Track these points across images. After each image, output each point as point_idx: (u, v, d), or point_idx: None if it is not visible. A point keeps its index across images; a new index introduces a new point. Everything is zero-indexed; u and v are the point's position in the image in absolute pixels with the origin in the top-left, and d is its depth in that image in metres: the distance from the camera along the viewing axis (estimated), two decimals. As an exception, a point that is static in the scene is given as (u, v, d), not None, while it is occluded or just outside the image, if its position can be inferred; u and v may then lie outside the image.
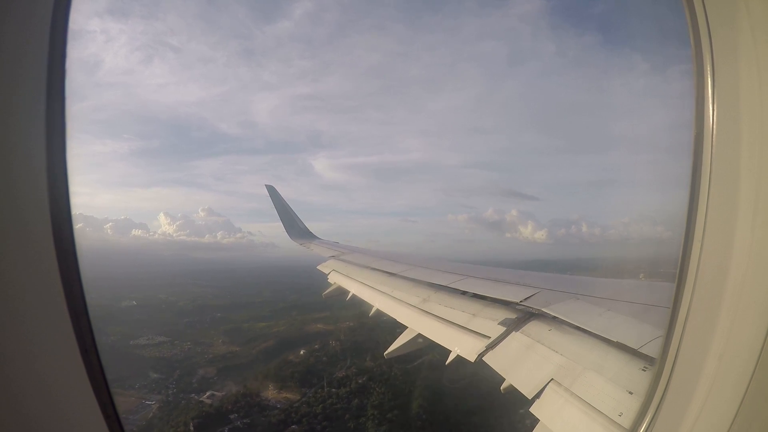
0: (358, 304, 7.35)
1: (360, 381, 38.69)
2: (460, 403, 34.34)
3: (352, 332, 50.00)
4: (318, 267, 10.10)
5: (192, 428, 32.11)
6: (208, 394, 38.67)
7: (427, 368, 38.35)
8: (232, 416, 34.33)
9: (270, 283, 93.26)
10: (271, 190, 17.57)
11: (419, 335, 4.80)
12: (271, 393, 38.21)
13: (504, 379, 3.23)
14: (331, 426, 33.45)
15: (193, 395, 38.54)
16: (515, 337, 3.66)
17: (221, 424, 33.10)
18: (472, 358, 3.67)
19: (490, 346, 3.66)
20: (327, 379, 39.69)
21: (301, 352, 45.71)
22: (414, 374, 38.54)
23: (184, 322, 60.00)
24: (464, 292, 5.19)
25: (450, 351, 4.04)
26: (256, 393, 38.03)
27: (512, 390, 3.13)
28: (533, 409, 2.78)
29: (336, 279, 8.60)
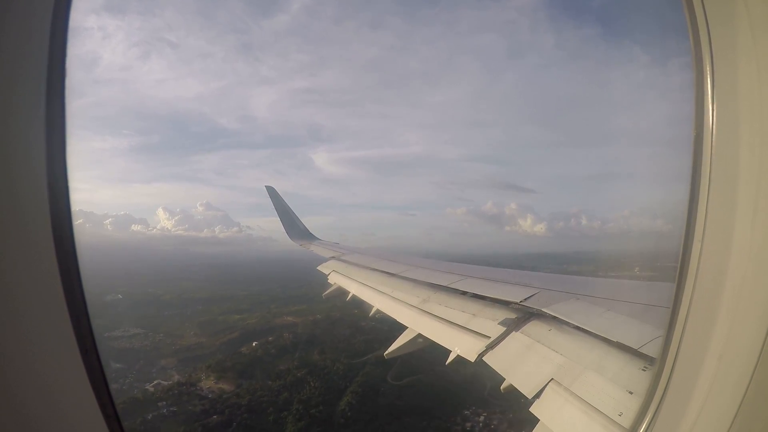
0: (357, 304, 7.38)
1: (298, 374, 38.68)
2: (396, 402, 34.32)
3: (314, 325, 50.56)
4: (318, 267, 10.12)
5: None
6: (155, 383, 38.94)
7: (373, 364, 38.27)
8: (160, 404, 34.51)
9: (260, 277, 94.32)
10: (271, 191, 17.58)
11: (419, 335, 4.79)
12: (209, 383, 38.48)
13: (504, 379, 3.23)
14: (251, 418, 33.40)
15: (146, 385, 38.87)
16: (515, 337, 3.66)
17: (147, 412, 33.19)
18: (472, 358, 3.67)
19: (490, 346, 3.66)
20: (265, 371, 39.88)
21: (254, 344, 45.99)
22: (357, 370, 38.65)
23: (164, 315, 60.72)
24: (464, 293, 5.19)
25: (450, 351, 4.04)
26: (195, 383, 38.28)
27: (512, 390, 3.12)
28: (533, 409, 2.77)
29: (336, 279, 8.61)
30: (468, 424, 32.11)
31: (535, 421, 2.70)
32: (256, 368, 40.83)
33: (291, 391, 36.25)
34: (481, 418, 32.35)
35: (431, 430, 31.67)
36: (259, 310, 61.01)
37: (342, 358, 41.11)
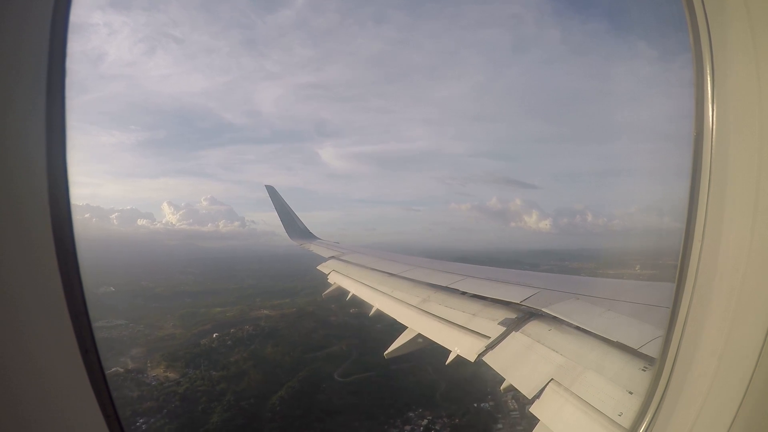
0: (359, 304, 7.38)
1: (244, 367, 39.01)
2: (334, 399, 34.31)
3: (280, 319, 50.77)
4: (318, 267, 10.12)
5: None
6: (112, 370, 39.02)
7: (324, 359, 38.47)
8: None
9: (256, 271, 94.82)
10: (271, 191, 17.59)
11: (419, 335, 4.79)
12: (158, 371, 39.02)
13: (504, 379, 3.23)
14: (182, 406, 34.02)
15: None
16: (515, 337, 3.66)
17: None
18: (471, 358, 3.67)
19: (490, 346, 3.66)
20: (213, 362, 40.38)
21: (214, 336, 46.43)
22: (306, 364, 38.83)
23: (151, 307, 60.84)
24: (464, 293, 5.19)
25: (450, 351, 4.04)
26: (143, 371, 38.85)
27: (512, 390, 3.12)
28: (533, 409, 2.77)
29: (336, 279, 8.61)
30: (408, 427, 31.33)
31: (535, 420, 2.70)
32: (206, 359, 41.35)
33: (230, 383, 36.80)
34: (424, 422, 31.54)
35: (362, 430, 31.45)
36: (242, 304, 61.15)
37: (294, 352, 41.38)
